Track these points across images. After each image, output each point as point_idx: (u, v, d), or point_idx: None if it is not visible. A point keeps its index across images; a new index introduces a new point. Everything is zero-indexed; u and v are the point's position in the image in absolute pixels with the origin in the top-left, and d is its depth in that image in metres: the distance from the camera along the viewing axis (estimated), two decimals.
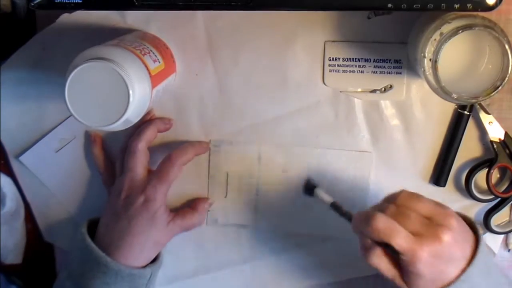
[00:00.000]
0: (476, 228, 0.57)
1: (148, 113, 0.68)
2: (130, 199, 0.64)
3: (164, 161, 0.65)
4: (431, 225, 0.53)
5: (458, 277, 0.54)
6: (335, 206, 0.62)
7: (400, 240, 0.52)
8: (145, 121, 0.67)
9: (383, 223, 0.53)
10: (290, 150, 0.68)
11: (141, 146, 0.65)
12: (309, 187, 0.66)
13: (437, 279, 0.54)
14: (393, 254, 0.54)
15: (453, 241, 0.53)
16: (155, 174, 0.65)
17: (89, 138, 0.69)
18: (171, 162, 0.64)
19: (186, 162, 0.66)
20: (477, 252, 0.54)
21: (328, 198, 0.63)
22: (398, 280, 0.55)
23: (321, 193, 0.64)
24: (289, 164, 0.69)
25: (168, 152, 0.66)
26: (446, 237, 0.53)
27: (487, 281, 0.55)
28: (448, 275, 0.54)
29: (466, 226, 0.56)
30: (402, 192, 0.56)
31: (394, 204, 0.55)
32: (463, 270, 0.54)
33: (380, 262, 0.54)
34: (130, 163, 0.65)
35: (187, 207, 0.69)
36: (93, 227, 0.65)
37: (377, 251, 0.54)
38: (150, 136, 0.66)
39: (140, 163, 0.65)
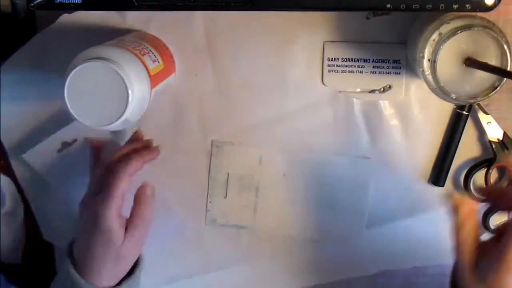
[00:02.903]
0: None
1: (136, 132, 0.67)
2: (85, 218, 0.62)
3: (108, 175, 0.61)
4: None
5: None
6: None
7: None
8: (133, 149, 0.65)
9: None
10: (291, 153, 0.69)
11: (126, 175, 0.61)
12: None
13: None
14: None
15: None
16: (102, 192, 0.61)
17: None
18: (115, 175, 0.60)
19: (134, 173, 0.62)
20: None
21: None
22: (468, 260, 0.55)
23: None
24: (290, 168, 0.69)
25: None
26: None
27: None
28: None
29: None
30: None
31: None
32: None
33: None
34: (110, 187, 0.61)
35: (132, 208, 0.64)
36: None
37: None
38: (136, 168, 0.63)
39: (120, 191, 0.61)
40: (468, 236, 0.55)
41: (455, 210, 0.57)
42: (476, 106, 0.66)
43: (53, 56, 0.68)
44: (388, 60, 0.66)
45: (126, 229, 0.61)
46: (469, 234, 0.55)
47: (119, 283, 0.62)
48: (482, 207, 0.68)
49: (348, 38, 0.66)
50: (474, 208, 0.56)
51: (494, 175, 0.68)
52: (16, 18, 0.68)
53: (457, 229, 0.56)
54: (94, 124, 0.56)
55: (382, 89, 0.67)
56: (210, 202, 0.70)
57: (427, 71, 0.57)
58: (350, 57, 0.66)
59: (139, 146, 0.66)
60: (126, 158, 0.63)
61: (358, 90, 0.67)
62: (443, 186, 0.68)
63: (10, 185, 0.71)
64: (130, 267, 0.63)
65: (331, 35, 0.66)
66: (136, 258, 0.64)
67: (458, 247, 0.56)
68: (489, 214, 0.67)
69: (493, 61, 0.56)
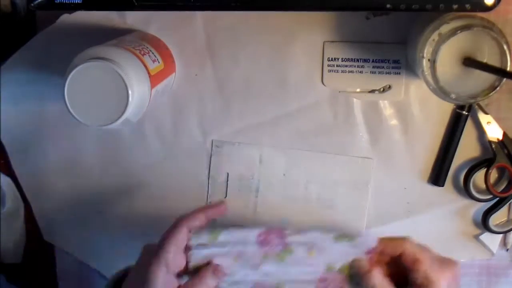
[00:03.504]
0: None
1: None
2: (137, 265, 0.57)
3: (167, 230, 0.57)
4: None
5: None
6: None
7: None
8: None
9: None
10: (291, 153, 0.69)
11: (184, 227, 0.57)
12: None
13: None
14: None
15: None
16: (157, 246, 0.56)
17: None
18: (172, 226, 0.56)
19: (195, 227, 0.57)
20: None
21: None
22: None
23: None
24: (290, 167, 0.69)
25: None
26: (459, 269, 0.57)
27: None
28: None
29: None
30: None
31: None
32: None
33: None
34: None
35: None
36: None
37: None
38: (196, 221, 0.57)
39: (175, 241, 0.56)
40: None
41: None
42: (476, 106, 0.66)
43: (53, 56, 0.68)
44: (388, 60, 0.66)
45: None
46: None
47: None
48: (482, 206, 0.68)
49: (348, 38, 0.66)
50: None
51: (494, 175, 0.68)
52: (16, 18, 0.68)
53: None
54: (94, 124, 0.56)
55: (382, 89, 0.67)
56: (210, 202, 0.70)
57: (427, 71, 0.57)
58: (350, 57, 0.66)
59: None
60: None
61: (358, 90, 0.67)
62: (443, 186, 0.68)
63: (10, 185, 0.71)
64: None
65: (331, 35, 0.66)
66: None
67: None
68: (489, 213, 0.67)
69: (493, 61, 0.56)
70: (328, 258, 0.58)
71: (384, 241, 0.58)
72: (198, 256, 0.58)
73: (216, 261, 0.58)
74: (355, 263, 0.58)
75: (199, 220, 0.57)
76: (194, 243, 0.58)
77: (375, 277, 0.56)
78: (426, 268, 0.55)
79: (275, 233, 0.58)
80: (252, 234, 0.58)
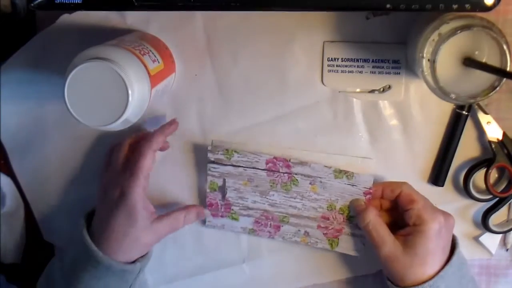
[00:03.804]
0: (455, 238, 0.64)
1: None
2: (110, 193, 0.63)
3: (132, 154, 0.64)
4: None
5: (436, 273, 0.61)
6: None
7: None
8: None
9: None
10: (291, 152, 0.68)
11: (150, 151, 0.63)
12: None
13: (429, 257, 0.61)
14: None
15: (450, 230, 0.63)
16: (128, 168, 0.63)
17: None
18: (140, 152, 0.62)
19: (156, 149, 0.64)
20: (454, 253, 0.62)
21: None
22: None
23: None
24: None
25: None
26: (453, 220, 0.62)
27: (460, 283, 0.62)
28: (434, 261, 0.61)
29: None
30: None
31: None
32: (441, 268, 0.61)
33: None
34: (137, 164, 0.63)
35: (180, 208, 0.67)
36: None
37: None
38: (158, 142, 0.64)
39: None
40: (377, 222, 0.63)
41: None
42: (476, 106, 0.66)
43: (53, 56, 0.68)
44: (388, 60, 0.66)
45: (154, 220, 0.63)
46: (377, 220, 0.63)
47: (133, 261, 0.63)
48: (482, 206, 0.68)
49: (348, 38, 0.66)
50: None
51: (493, 175, 0.68)
52: (16, 18, 0.68)
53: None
54: (94, 124, 0.56)
55: (381, 89, 0.67)
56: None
57: (427, 71, 0.57)
58: (349, 57, 0.66)
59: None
60: (148, 135, 0.65)
61: (358, 90, 0.67)
62: (442, 186, 0.68)
63: (10, 185, 0.71)
64: (146, 252, 0.65)
65: (331, 35, 0.66)
66: (153, 246, 0.66)
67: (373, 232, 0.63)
68: (489, 213, 0.67)
69: (493, 61, 0.56)
70: (329, 195, 0.67)
71: (383, 183, 0.66)
72: (214, 172, 0.68)
73: (230, 181, 0.67)
74: (354, 202, 0.66)
75: (160, 141, 0.64)
76: (211, 157, 0.67)
77: (369, 214, 0.63)
78: (420, 207, 0.61)
79: (282, 161, 0.66)
80: (262, 159, 0.66)
